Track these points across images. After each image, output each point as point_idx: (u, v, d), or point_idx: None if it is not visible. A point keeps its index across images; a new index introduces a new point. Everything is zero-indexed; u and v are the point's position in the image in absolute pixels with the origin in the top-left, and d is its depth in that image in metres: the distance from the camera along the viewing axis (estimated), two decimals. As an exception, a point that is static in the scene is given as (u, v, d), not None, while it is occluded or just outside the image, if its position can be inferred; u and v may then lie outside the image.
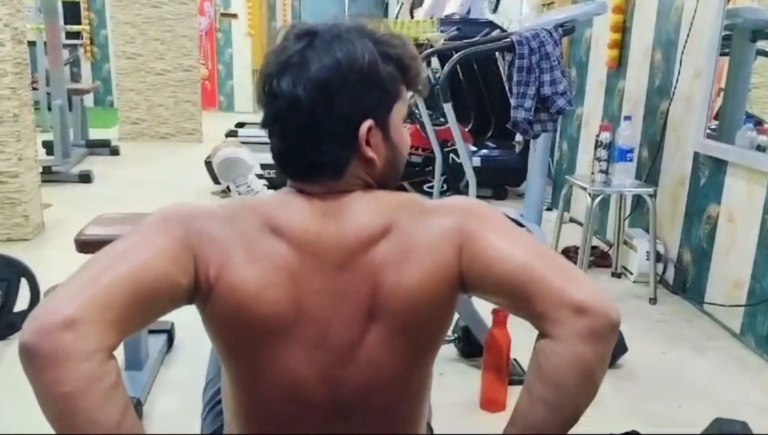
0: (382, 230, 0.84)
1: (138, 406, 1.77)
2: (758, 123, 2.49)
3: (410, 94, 0.92)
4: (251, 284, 0.80)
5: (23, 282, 2.22)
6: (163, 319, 2.32)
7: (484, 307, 1.95)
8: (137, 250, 0.78)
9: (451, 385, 2.01)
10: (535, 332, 0.83)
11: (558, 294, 0.78)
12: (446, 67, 2.74)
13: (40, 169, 3.54)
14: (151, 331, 2.10)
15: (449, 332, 2.16)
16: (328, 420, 0.87)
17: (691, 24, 2.70)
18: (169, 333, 2.18)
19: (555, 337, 0.78)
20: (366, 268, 0.83)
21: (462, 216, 0.86)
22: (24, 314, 2.22)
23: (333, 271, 0.83)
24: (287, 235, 0.83)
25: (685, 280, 2.76)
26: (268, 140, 0.90)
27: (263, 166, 3.80)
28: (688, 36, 2.73)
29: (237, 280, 0.80)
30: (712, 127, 2.65)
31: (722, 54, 2.60)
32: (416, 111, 4.07)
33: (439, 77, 3.19)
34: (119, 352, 1.93)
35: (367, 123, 0.86)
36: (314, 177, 0.87)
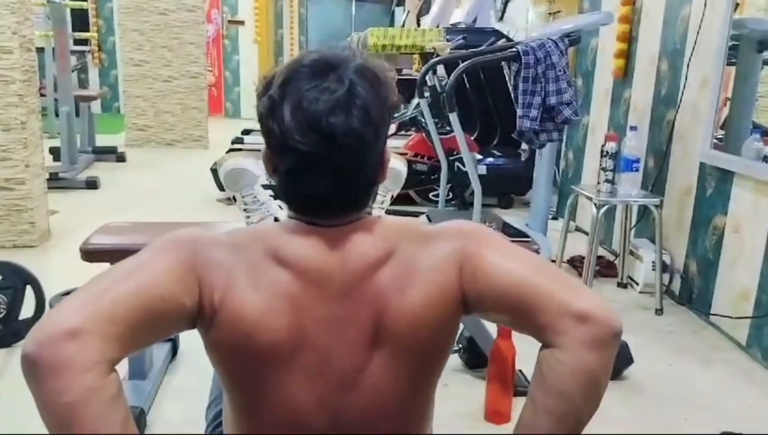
0: (384, 256, 0.84)
1: (141, 415, 1.78)
2: (765, 133, 2.47)
3: None
4: (254, 311, 0.81)
5: (28, 290, 2.23)
6: (167, 328, 2.27)
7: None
8: (145, 268, 0.79)
9: (456, 396, 2.00)
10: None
11: (559, 304, 0.79)
12: (452, 77, 2.74)
13: (47, 176, 3.55)
14: (156, 340, 2.09)
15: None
16: None
17: (698, 34, 2.70)
18: (173, 342, 2.18)
19: (558, 346, 0.78)
20: (369, 294, 0.83)
21: (462, 238, 0.87)
22: (29, 322, 2.23)
23: (336, 298, 0.83)
24: (291, 265, 0.83)
25: (691, 291, 2.74)
26: (286, 190, 0.87)
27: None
28: (694, 45, 2.73)
29: (240, 306, 0.81)
30: (719, 136, 2.65)
31: (729, 64, 2.60)
32: (422, 119, 4.07)
33: (445, 85, 3.20)
34: (123, 362, 1.93)
35: (387, 152, 0.89)
36: (341, 213, 0.87)
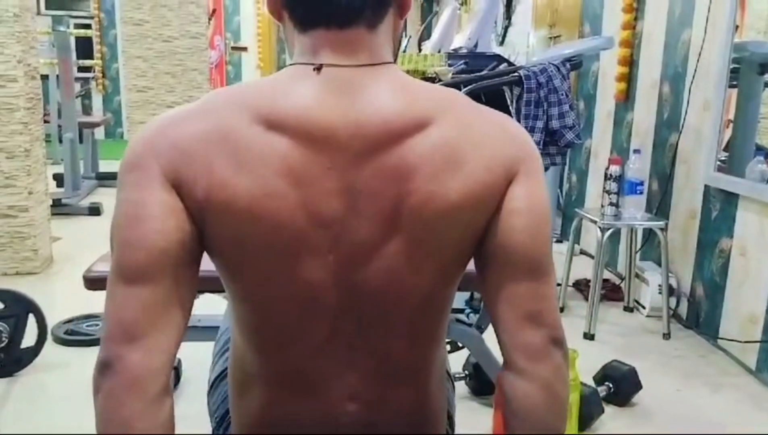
0: (414, 124, 0.71)
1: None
2: (768, 155, 2.47)
3: None
4: (245, 198, 0.69)
5: (31, 318, 2.21)
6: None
7: (495, 344, 1.92)
8: (145, 233, 0.70)
9: (462, 424, 1.95)
10: None
11: (517, 334, 0.78)
12: (454, 101, 2.75)
13: (50, 202, 3.56)
14: (158, 368, 2.07)
15: (460, 369, 2.14)
16: (340, 325, 0.77)
17: (699, 57, 2.71)
18: (176, 370, 2.16)
19: (516, 371, 0.78)
20: (393, 167, 0.71)
21: (523, 150, 0.77)
22: (31, 351, 2.21)
23: (349, 167, 0.70)
24: (289, 128, 0.69)
25: (699, 315, 2.72)
26: None
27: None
28: (696, 69, 2.74)
29: (227, 194, 0.69)
30: (722, 158, 2.64)
31: (730, 86, 2.60)
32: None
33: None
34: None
35: None
36: (350, 21, 0.72)
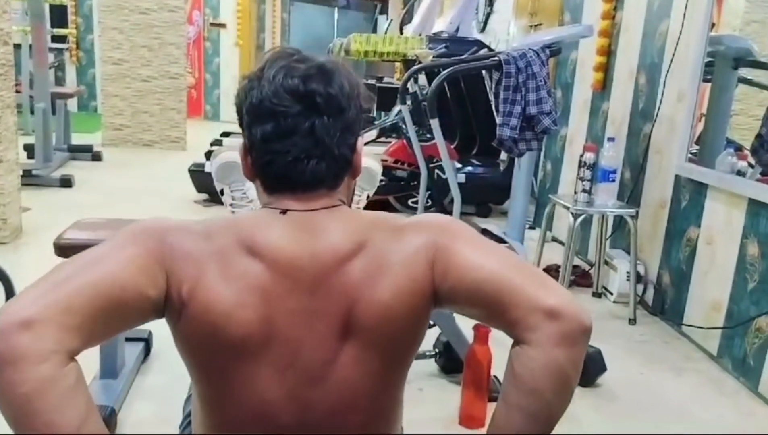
0: (355, 248, 0.84)
1: (112, 414, 1.74)
2: (738, 148, 2.52)
3: None
4: (224, 303, 0.80)
5: (-1, 286, 2.18)
6: (140, 327, 2.28)
7: (465, 323, 1.95)
8: (107, 259, 0.78)
9: (431, 401, 2.00)
10: None
11: (530, 300, 0.80)
12: (434, 83, 2.75)
13: (21, 173, 3.49)
14: (128, 339, 2.06)
15: (430, 347, 2.16)
16: None
17: (675, 49, 2.75)
18: (147, 342, 2.15)
19: (529, 342, 0.79)
20: (341, 287, 0.83)
21: (435, 231, 0.87)
22: (-2, 318, 2.18)
23: (307, 291, 0.83)
24: (263, 256, 0.82)
25: (664, 302, 2.78)
26: (264, 158, 0.88)
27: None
28: (672, 61, 2.77)
29: (210, 298, 0.80)
30: (694, 151, 2.69)
31: (705, 80, 2.65)
32: (403, 126, 4.08)
33: (427, 93, 3.21)
34: (95, 361, 1.90)
35: (361, 146, 0.93)
36: (313, 188, 0.87)
